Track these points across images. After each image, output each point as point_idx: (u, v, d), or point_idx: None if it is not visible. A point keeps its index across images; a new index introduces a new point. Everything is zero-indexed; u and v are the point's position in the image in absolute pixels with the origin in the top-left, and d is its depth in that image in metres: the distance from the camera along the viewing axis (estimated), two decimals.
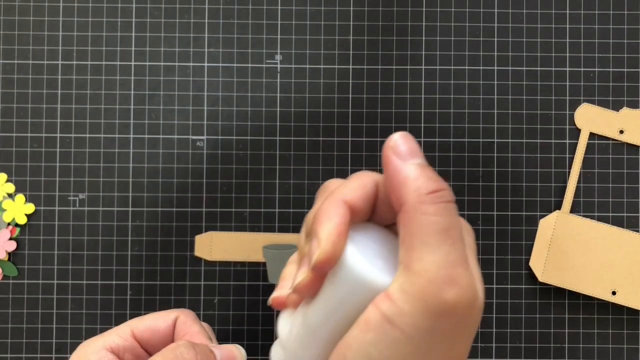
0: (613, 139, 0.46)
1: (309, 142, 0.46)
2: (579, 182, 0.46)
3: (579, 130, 0.46)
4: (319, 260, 0.25)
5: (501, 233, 0.46)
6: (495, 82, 0.46)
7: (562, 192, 0.46)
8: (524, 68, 0.46)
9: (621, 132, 0.46)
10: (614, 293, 0.45)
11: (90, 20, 0.46)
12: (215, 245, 0.46)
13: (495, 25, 0.46)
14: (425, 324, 0.23)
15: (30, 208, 0.46)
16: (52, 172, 0.46)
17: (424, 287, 0.23)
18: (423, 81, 0.46)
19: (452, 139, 0.46)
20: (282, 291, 0.28)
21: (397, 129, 0.46)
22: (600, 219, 0.46)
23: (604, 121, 0.46)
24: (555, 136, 0.46)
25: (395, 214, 0.25)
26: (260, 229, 0.46)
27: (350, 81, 0.46)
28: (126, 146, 0.46)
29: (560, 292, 0.46)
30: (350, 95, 0.46)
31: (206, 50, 0.46)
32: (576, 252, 0.45)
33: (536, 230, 0.46)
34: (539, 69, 0.46)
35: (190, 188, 0.46)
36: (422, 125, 0.46)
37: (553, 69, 0.46)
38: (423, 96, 0.46)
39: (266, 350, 0.46)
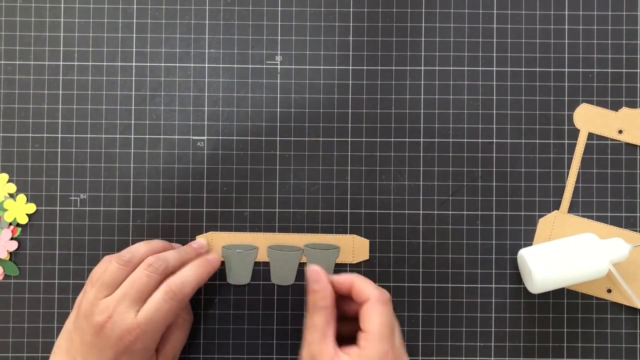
0: (612, 139, 0.46)
1: (309, 143, 0.46)
2: (577, 182, 0.46)
3: (577, 131, 0.46)
4: None
5: (500, 233, 0.46)
6: (494, 83, 0.46)
7: (561, 192, 0.46)
8: (523, 69, 0.46)
9: (620, 132, 0.46)
10: (609, 291, 0.46)
11: (92, 21, 0.46)
12: (216, 245, 0.46)
13: (494, 26, 0.46)
14: None
15: (32, 208, 0.46)
16: (53, 172, 0.46)
17: None
18: (422, 82, 0.46)
19: (451, 139, 0.46)
20: None
21: (397, 129, 0.46)
22: (598, 218, 0.46)
23: (603, 121, 0.46)
24: (554, 136, 0.46)
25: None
26: (260, 229, 0.46)
27: (350, 82, 0.46)
28: (127, 146, 0.46)
29: (558, 291, 0.46)
30: (350, 96, 0.46)
31: (207, 51, 0.46)
32: None
33: (535, 230, 0.46)
34: (537, 69, 0.46)
35: (190, 188, 0.46)
36: (422, 125, 0.46)
37: (552, 69, 0.46)
38: (422, 97, 0.46)
39: (266, 349, 0.46)
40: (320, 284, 0.41)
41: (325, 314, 0.40)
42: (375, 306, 0.40)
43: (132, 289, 0.39)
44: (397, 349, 0.40)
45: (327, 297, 0.41)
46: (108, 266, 0.40)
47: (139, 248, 0.42)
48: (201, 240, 0.46)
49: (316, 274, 0.42)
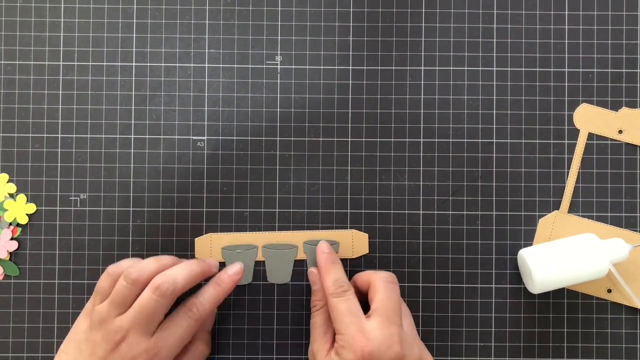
0: (612, 139, 0.46)
1: (309, 143, 0.46)
2: (577, 182, 0.46)
3: (577, 131, 0.46)
4: None
5: (500, 233, 0.46)
6: (494, 83, 0.46)
7: (561, 192, 0.46)
8: (523, 69, 0.46)
9: (620, 132, 0.46)
10: (609, 291, 0.46)
11: (92, 21, 0.46)
12: (215, 246, 0.46)
13: (494, 26, 0.46)
14: None
15: (32, 208, 0.46)
16: (53, 172, 0.46)
17: None
18: (422, 82, 0.46)
19: (451, 139, 0.46)
20: None
21: (397, 129, 0.46)
22: (598, 219, 0.46)
23: (603, 121, 0.46)
24: (554, 136, 0.46)
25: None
26: (260, 229, 0.46)
27: (350, 82, 0.46)
28: (127, 146, 0.46)
29: (558, 291, 0.46)
30: (350, 96, 0.46)
31: (207, 51, 0.46)
32: None
33: (535, 230, 0.46)
34: (537, 69, 0.46)
35: (190, 188, 0.46)
36: (422, 125, 0.46)
37: (552, 69, 0.46)
38: (422, 97, 0.46)
39: (266, 349, 0.46)
40: (317, 285, 0.43)
41: (323, 313, 0.42)
42: (376, 284, 0.41)
43: (141, 313, 0.39)
44: (407, 334, 0.40)
45: (324, 298, 0.42)
46: (117, 285, 0.39)
47: (148, 266, 0.40)
48: (214, 261, 0.44)
49: (314, 275, 0.44)
